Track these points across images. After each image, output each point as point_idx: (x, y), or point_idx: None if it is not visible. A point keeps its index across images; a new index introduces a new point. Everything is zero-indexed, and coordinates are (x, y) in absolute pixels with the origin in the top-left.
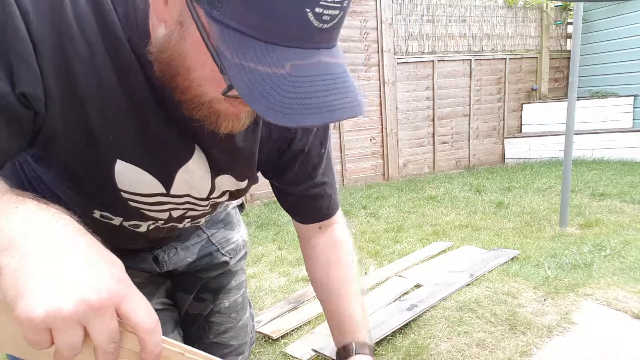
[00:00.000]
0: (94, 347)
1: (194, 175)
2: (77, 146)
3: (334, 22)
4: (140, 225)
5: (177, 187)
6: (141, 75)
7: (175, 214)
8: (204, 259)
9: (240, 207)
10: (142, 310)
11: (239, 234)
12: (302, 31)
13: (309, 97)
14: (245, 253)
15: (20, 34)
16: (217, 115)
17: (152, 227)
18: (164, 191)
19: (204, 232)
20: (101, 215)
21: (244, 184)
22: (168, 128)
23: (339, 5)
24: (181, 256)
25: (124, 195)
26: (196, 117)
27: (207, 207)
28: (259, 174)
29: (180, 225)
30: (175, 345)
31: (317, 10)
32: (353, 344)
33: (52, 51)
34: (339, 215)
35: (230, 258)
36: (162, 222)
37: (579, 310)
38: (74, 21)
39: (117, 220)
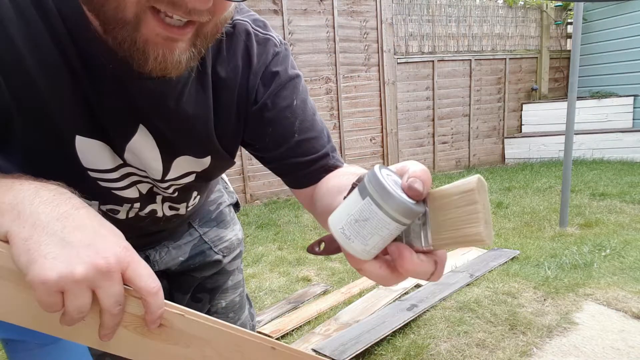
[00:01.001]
0: (100, 310)
1: (141, 155)
2: (36, 126)
3: None
4: (118, 211)
5: (130, 159)
6: (72, 48)
7: (142, 188)
8: (196, 257)
9: (235, 206)
10: (146, 275)
11: (233, 232)
12: None
13: None
14: (241, 252)
15: None
16: (145, 44)
17: (131, 214)
18: (121, 162)
19: (196, 231)
20: None
21: (207, 160)
22: (107, 99)
23: None
24: (173, 255)
25: (92, 174)
26: (122, 49)
27: (171, 191)
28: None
29: (159, 211)
30: (176, 307)
31: None
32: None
33: None
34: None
35: (224, 256)
36: (137, 204)
37: (579, 310)
38: None
39: (94, 205)
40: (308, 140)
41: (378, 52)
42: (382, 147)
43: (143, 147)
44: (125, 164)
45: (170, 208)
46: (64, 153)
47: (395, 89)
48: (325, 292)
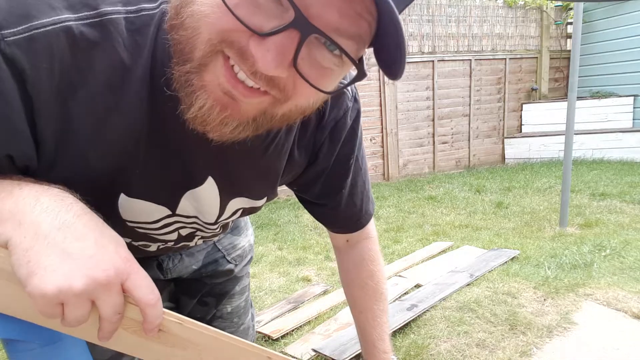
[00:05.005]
0: (99, 317)
1: (199, 201)
2: (76, 179)
3: None
4: (150, 246)
5: (183, 209)
6: (146, 105)
7: (183, 232)
8: (209, 266)
9: None
10: (145, 287)
11: (246, 238)
12: None
13: None
14: (251, 257)
15: (6, 97)
16: (200, 89)
17: (162, 246)
18: (169, 212)
19: None
20: None
21: (262, 202)
22: (185, 158)
23: None
24: (186, 263)
25: (130, 224)
26: (173, 87)
27: (217, 229)
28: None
29: (192, 244)
30: (174, 316)
31: None
32: None
33: (49, 100)
34: (369, 229)
35: (236, 265)
36: (172, 243)
37: (579, 310)
38: (83, 64)
39: (126, 240)
40: (353, 194)
41: None
42: (382, 147)
43: (206, 196)
44: (172, 214)
45: (204, 242)
46: (104, 205)
47: (395, 89)
48: (325, 292)
